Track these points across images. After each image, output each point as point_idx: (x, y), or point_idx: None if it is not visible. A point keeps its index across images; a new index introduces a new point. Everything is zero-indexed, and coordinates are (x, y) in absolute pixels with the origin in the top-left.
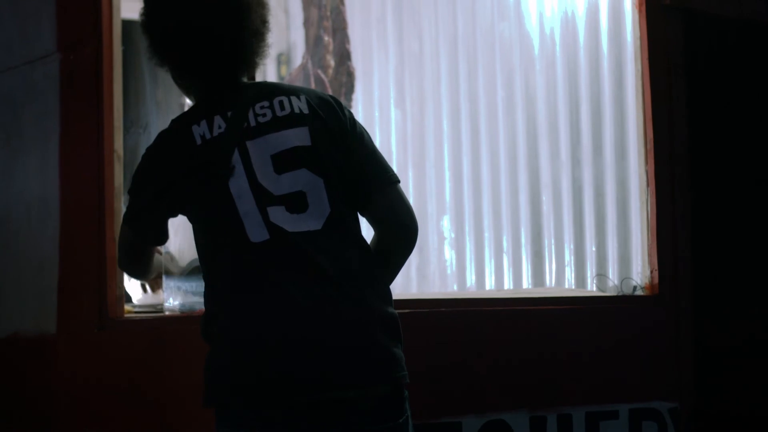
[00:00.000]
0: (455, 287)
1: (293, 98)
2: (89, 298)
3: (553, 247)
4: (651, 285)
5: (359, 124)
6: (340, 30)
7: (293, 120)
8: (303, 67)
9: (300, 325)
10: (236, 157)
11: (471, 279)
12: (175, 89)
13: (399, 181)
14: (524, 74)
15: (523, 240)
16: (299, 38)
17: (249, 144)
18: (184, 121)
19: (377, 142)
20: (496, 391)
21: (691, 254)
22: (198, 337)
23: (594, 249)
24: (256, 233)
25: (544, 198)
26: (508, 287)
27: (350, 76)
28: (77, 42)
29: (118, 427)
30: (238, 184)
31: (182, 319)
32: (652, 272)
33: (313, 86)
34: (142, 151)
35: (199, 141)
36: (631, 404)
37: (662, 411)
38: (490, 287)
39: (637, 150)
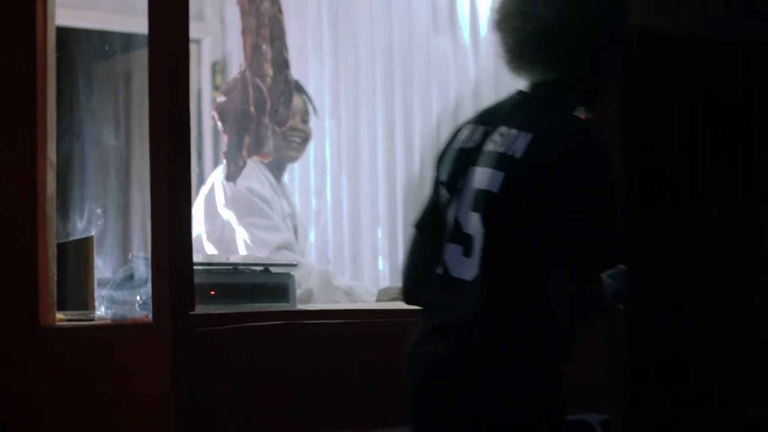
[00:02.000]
0: None
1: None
2: (21, 305)
3: None
4: None
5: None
6: (278, 39)
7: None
8: (241, 75)
9: None
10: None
11: None
12: (109, 96)
13: None
14: (459, 86)
15: None
16: (235, 47)
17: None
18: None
19: (311, 153)
20: None
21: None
22: (130, 345)
23: None
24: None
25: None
26: None
27: (288, 84)
28: (11, 49)
29: None
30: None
31: (114, 328)
32: None
33: (251, 95)
34: (75, 158)
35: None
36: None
37: (594, 423)
38: None
39: None
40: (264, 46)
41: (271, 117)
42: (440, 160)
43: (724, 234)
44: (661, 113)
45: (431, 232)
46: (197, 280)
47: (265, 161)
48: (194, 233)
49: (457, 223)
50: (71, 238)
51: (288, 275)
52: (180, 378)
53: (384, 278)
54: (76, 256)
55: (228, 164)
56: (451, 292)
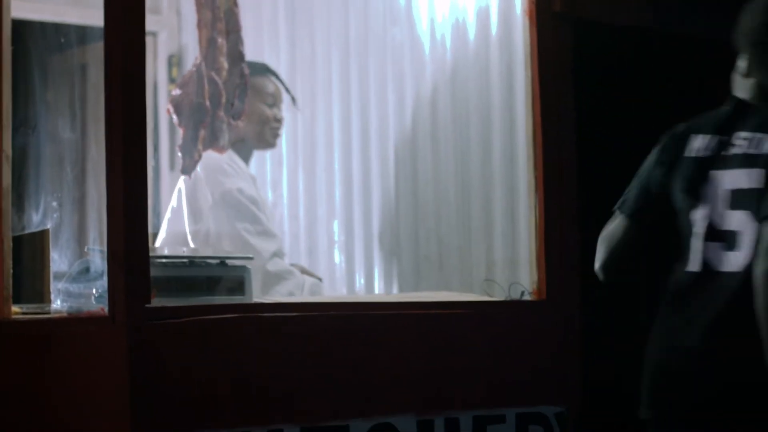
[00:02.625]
0: (344, 291)
1: None
2: None
3: (441, 251)
4: (539, 290)
5: None
6: (233, 32)
7: None
8: (197, 68)
9: None
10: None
11: (360, 282)
12: (65, 89)
13: None
14: (415, 79)
15: (411, 244)
16: (191, 40)
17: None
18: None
19: None
20: (384, 395)
21: (579, 259)
22: (85, 338)
23: (482, 253)
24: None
25: (431, 202)
26: (396, 292)
27: (244, 78)
28: None
29: (4, 429)
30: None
31: (69, 321)
32: (539, 277)
33: (206, 88)
34: (30, 151)
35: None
36: (518, 408)
37: (548, 415)
38: (378, 291)
39: (526, 155)
40: (219, 40)
41: (227, 110)
42: (668, 165)
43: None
44: (615, 106)
45: (641, 220)
46: (153, 272)
47: (221, 154)
48: (179, 230)
49: (712, 224)
50: (27, 231)
51: (244, 268)
52: (136, 370)
53: (340, 270)
54: (32, 249)
55: (183, 157)
56: (715, 285)
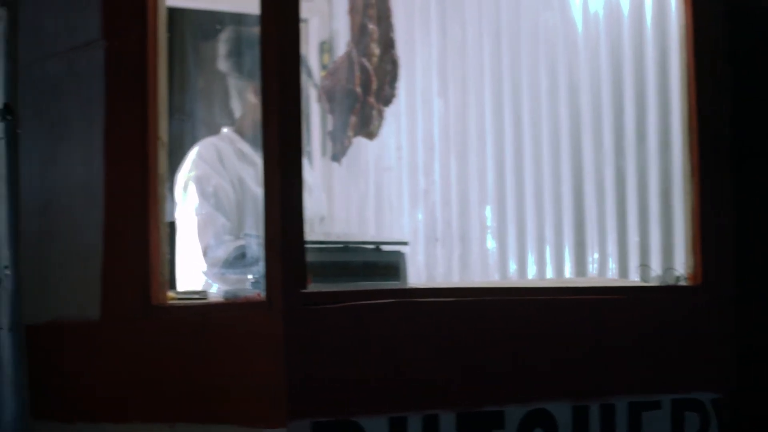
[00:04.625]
0: (497, 276)
1: None
2: (133, 284)
3: (595, 236)
4: (694, 275)
5: None
6: (384, 18)
7: None
8: (347, 55)
9: None
10: None
11: (513, 268)
12: (217, 77)
13: None
14: (568, 63)
15: (565, 229)
16: (342, 26)
17: None
18: None
19: (419, 132)
20: (539, 381)
21: (735, 244)
22: (242, 323)
23: (637, 239)
24: None
25: (586, 187)
26: (550, 277)
27: (395, 64)
28: (122, 29)
29: (160, 414)
30: None
31: (226, 306)
32: (695, 262)
33: (357, 74)
34: (186, 138)
35: None
36: (673, 395)
37: (705, 402)
38: (532, 277)
39: (681, 139)
40: (371, 26)
41: (377, 96)
42: None
43: None
44: None
45: None
46: (309, 258)
47: (371, 140)
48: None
49: None
50: None
51: (399, 253)
52: (292, 355)
53: (493, 257)
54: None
55: (334, 144)
56: None
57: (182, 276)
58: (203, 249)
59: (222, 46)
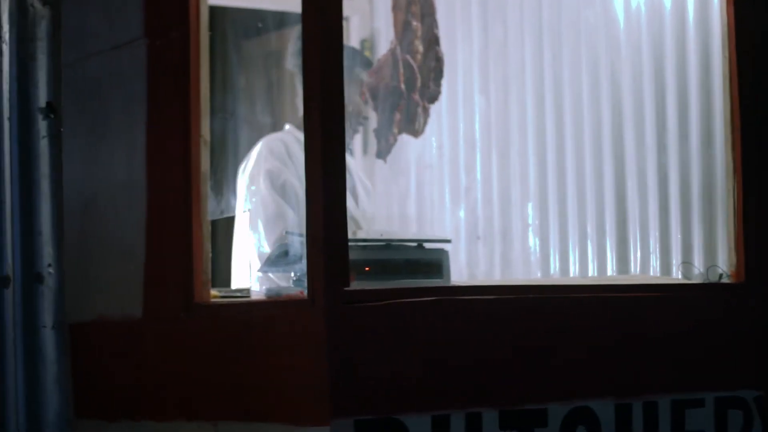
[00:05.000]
0: (539, 274)
1: None
2: (175, 282)
3: (638, 234)
4: (737, 272)
5: None
6: (428, 15)
7: None
8: (392, 52)
9: None
10: None
11: (555, 266)
12: (259, 76)
13: None
14: (609, 60)
15: (607, 227)
16: (383, 24)
17: None
18: None
19: (460, 129)
20: (582, 379)
21: None
22: (285, 321)
23: (679, 236)
24: None
25: (629, 184)
26: (592, 274)
27: (439, 61)
28: (164, 27)
29: (203, 412)
30: None
31: (269, 305)
32: (738, 260)
33: (401, 71)
34: (228, 136)
35: None
36: (716, 392)
37: (748, 400)
38: (574, 274)
39: (723, 136)
40: (414, 23)
41: (422, 94)
42: None
43: None
44: None
45: None
46: (352, 256)
47: (416, 137)
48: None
49: None
50: (225, 216)
51: (442, 251)
52: (334, 353)
53: (535, 254)
54: (229, 234)
55: (378, 141)
56: None
57: (237, 273)
58: (272, 242)
59: (292, 44)
